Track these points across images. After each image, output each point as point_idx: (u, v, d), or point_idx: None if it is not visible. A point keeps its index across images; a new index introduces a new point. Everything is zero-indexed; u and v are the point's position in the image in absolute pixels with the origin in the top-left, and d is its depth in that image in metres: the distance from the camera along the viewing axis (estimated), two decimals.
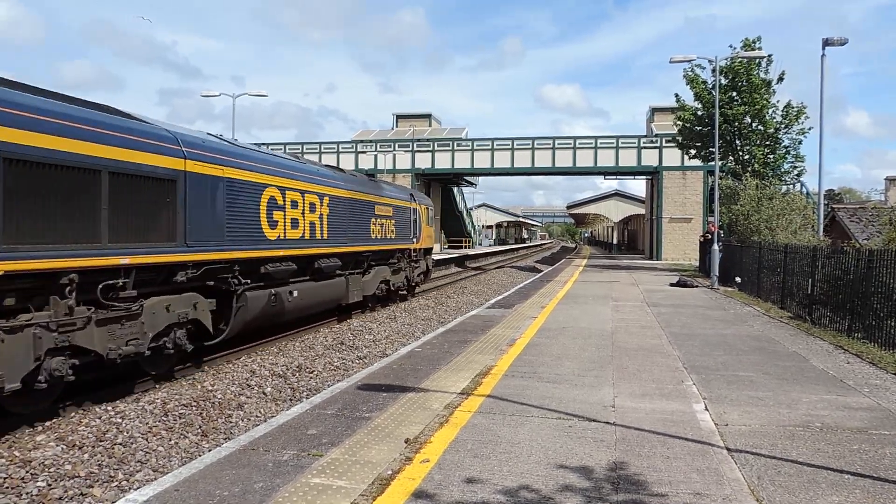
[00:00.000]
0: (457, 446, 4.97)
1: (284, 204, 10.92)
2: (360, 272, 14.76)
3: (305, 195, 11.71)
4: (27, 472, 5.46)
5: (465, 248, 59.13)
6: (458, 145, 44.32)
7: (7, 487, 5.15)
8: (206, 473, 4.43)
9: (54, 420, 6.95)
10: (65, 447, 6.05)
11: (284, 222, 10.87)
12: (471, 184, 56.18)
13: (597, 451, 4.87)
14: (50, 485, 5.29)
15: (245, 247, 9.72)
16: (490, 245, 79.52)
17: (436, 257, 39.01)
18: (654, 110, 46.55)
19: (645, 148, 41.70)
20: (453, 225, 59.66)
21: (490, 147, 43.76)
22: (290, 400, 8.40)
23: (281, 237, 10.74)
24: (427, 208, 21.08)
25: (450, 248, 57.90)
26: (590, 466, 4.55)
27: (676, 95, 28.21)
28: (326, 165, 15.04)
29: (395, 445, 4.99)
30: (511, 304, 15.04)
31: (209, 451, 5.90)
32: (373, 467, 4.53)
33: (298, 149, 44.77)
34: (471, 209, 72.88)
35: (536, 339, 9.87)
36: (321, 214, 12.33)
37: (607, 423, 5.62)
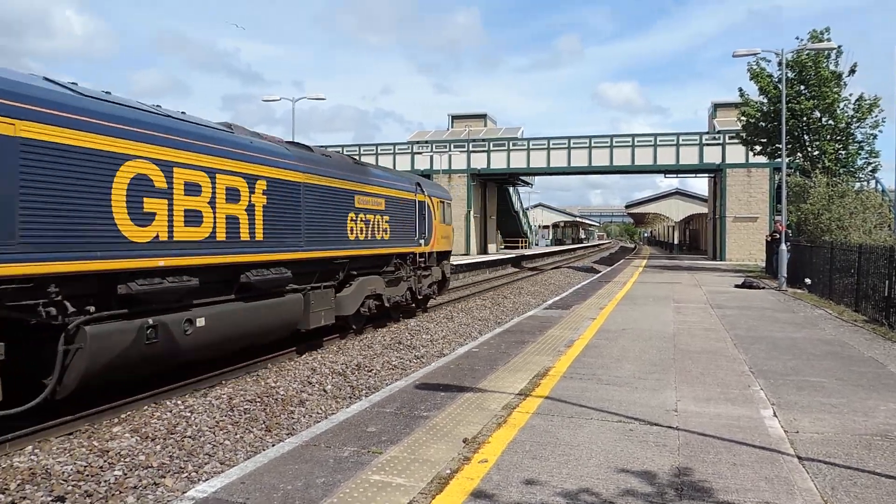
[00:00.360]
0: (515, 447, 4.95)
1: (171, 188, 7.42)
2: (331, 285, 11.18)
3: (218, 176, 8.17)
4: (105, 461, 5.76)
5: (522, 248, 58.81)
6: (513, 145, 44.10)
7: (87, 475, 5.45)
8: (271, 467, 4.56)
9: (129, 413, 7.29)
10: (139, 438, 6.35)
11: (171, 216, 7.40)
12: (527, 183, 55.82)
13: (659, 456, 4.77)
14: (125, 474, 5.56)
15: (73, 254, 6.27)
16: (547, 245, 78.81)
17: (492, 258, 39.01)
18: (716, 106, 45.15)
19: (707, 145, 40.48)
20: (509, 225, 59.41)
21: (546, 146, 43.37)
22: (350, 398, 8.56)
23: (162, 238, 7.28)
24: (442, 202, 16.93)
25: (506, 248, 57.72)
26: (652, 471, 4.46)
27: (740, 90, 27.29)
28: (290, 142, 11.26)
29: (454, 445, 5.01)
30: (569, 304, 14.86)
31: (273, 445, 6.08)
32: (431, 466, 4.56)
33: (355, 151, 45.48)
34: (527, 209, 72.40)
35: (595, 341, 9.73)
36: (252, 206, 8.81)
37: (669, 427, 5.49)
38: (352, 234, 11.60)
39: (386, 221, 13.04)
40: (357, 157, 14.55)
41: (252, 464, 4.64)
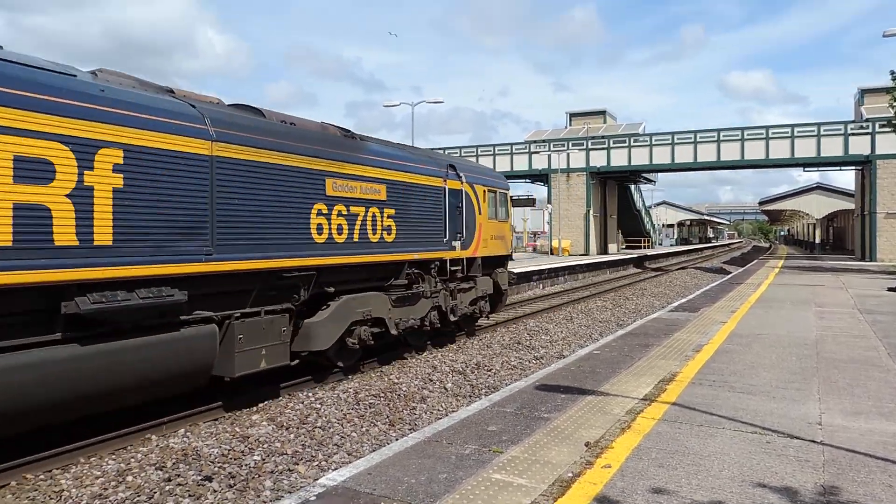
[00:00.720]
0: (640, 454, 4.80)
1: None
2: (282, 310, 7.78)
3: None
4: (246, 446, 6.22)
5: (644, 248, 56.74)
6: (634, 141, 42.60)
7: (231, 458, 5.91)
8: (395, 461, 4.71)
9: (266, 402, 7.82)
10: (275, 427, 6.80)
11: None
12: (649, 181, 53.78)
13: (801, 472, 4.42)
14: (263, 459, 5.98)
15: None
16: (671, 245, 75.56)
17: (612, 258, 37.92)
18: (863, 92, 41.11)
19: (853, 135, 36.96)
20: (631, 224, 57.50)
21: (670, 141, 41.51)
22: (470, 396, 8.66)
23: None
24: (493, 191, 12.96)
25: (627, 248, 55.97)
26: (793, 488, 4.15)
27: (892, 73, 24.67)
28: (235, 105, 8.20)
29: (575, 448, 4.93)
30: (696, 307, 14.15)
31: (396, 440, 6.28)
32: (553, 468, 4.52)
33: (472, 152, 45.90)
34: (650, 207, 69.74)
35: (726, 346, 9.20)
36: (84, 189, 5.60)
37: (812, 441, 5.08)
38: (320, 233, 8.13)
39: (389, 217, 9.49)
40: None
41: (378, 456, 4.82)
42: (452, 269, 11.33)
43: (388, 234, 9.47)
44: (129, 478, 5.43)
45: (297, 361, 8.30)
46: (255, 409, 7.60)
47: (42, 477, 5.52)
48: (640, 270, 37.54)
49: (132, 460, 5.82)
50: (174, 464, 5.71)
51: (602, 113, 50.26)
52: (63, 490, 5.20)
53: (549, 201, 44.38)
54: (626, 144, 42.69)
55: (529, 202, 41.32)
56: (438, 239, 10.83)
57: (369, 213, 9.07)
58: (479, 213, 12.24)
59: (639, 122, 46.80)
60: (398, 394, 8.35)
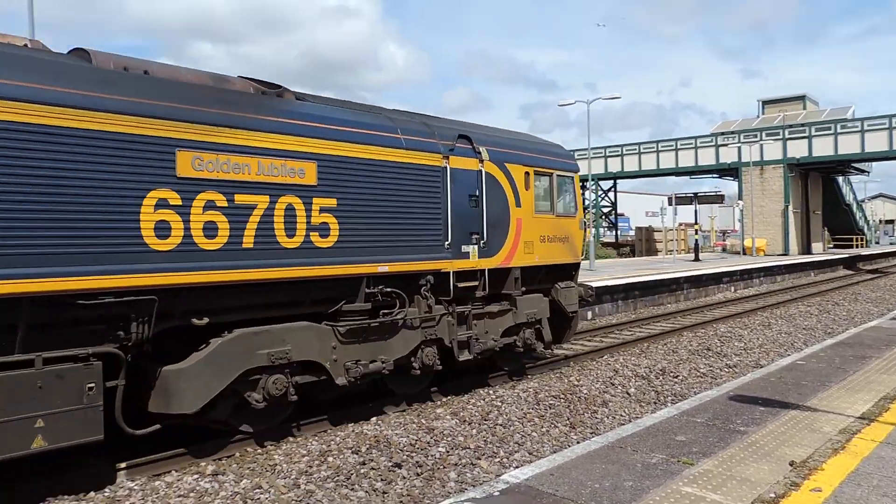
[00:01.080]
0: (857, 479, 4.26)
1: None
2: (90, 357, 5.01)
3: None
4: (431, 437, 6.52)
5: (856, 247, 50.30)
6: (842, 127, 37.83)
7: (417, 448, 6.24)
8: (577, 463, 4.65)
9: (449, 397, 8.13)
10: (458, 422, 7.04)
11: None
12: (861, 171, 47.44)
13: None
14: (448, 451, 6.22)
15: None
16: (890, 243, 66.22)
17: (817, 258, 34.05)
18: None
19: None
20: (839, 221, 51.16)
21: (887, 125, 36.27)
22: (654, 403, 8.31)
23: None
24: (536, 172, 9.13)
25: (835, 247, 50.02)
26: None
27: None
28: (70, 52, 5.81)
29: (777, 467, 4.51)
30: None
31: (578, 442, 6.21)
32: (751, 486, 4.18)
33: (652, 148, 43.79)
34: (862, 201, 61.61)
35: None
36: None
37: None
38: (163, 236, 5.33)
39: (324, 210, 6.45)
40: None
41: (560, 457, 4.80)
42: (462, 285, 8.00)
43: (323, 236, 6.44)
44: (330, 458, 5.94)
45: (155, 428, 5.58)
46: (438, 402, 7.94)
47: (259, 451, 6.25)
48: (851, 272, 33.41)
49: (332, 443, 6.36)
50: (367, 449, 6.14)
51: (801, 98, 45.35)
52: (276, 464, 5.82)
53: (739, 197, 40.99)
54: (832, 131, 38.10)
55: (717, 199, 38.53)
56: (433, 242, 7.57)
57: (279, 206, 6.09)
58: (517, 206, 8.74)
59: (846, 107, 41.59)
60: (578, 396, 8.23)
